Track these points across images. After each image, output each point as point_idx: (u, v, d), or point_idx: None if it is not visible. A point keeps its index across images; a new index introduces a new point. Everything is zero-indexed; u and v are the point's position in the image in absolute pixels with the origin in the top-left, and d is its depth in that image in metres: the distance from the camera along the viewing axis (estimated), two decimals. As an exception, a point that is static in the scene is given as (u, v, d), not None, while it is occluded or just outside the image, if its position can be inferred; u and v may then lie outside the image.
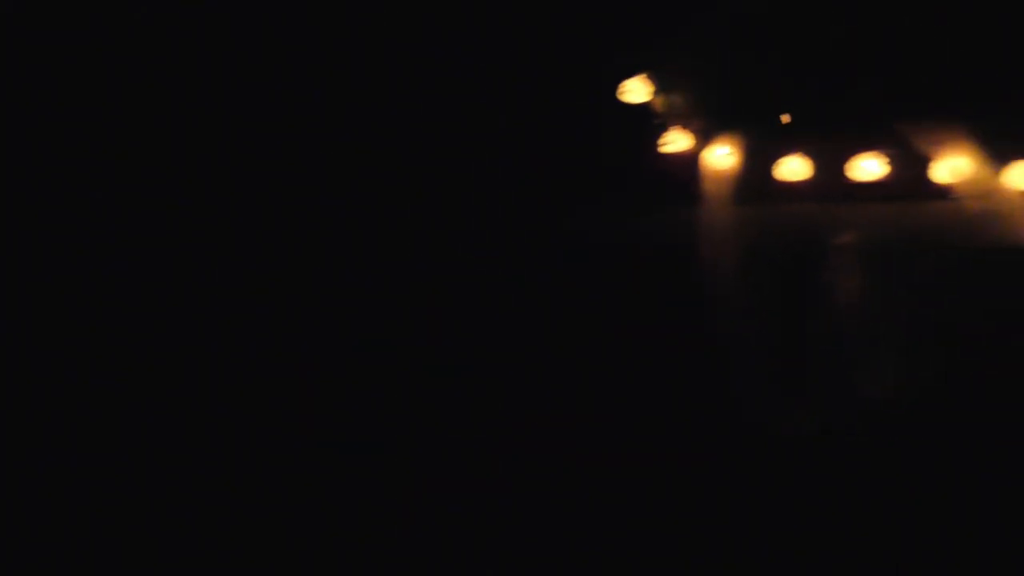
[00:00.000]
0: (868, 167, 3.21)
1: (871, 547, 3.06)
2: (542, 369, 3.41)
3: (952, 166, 3.08)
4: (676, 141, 3.40)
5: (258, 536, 3.38)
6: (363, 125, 3.52)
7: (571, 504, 3.25)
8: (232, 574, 3.38)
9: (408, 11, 3.49)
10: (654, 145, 3.40)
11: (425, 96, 3.50)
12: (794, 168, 3.28)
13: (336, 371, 3.43)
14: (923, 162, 3.13)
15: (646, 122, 3.41)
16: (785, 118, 3.37)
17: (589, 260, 3.43)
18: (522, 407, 3.36)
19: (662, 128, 3.41)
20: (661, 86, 3.40)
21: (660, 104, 3.41)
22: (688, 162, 3.39)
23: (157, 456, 3.50)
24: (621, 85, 3.40)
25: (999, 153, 3.06)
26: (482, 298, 3.46)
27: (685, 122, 3.39)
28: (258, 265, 3.52)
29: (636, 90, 3.41)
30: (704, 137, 3.37)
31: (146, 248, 3.58)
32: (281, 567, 3.36)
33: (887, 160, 3.18)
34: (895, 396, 3.12)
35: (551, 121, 3.47)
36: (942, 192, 3.10)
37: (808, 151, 3.27)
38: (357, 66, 3.49)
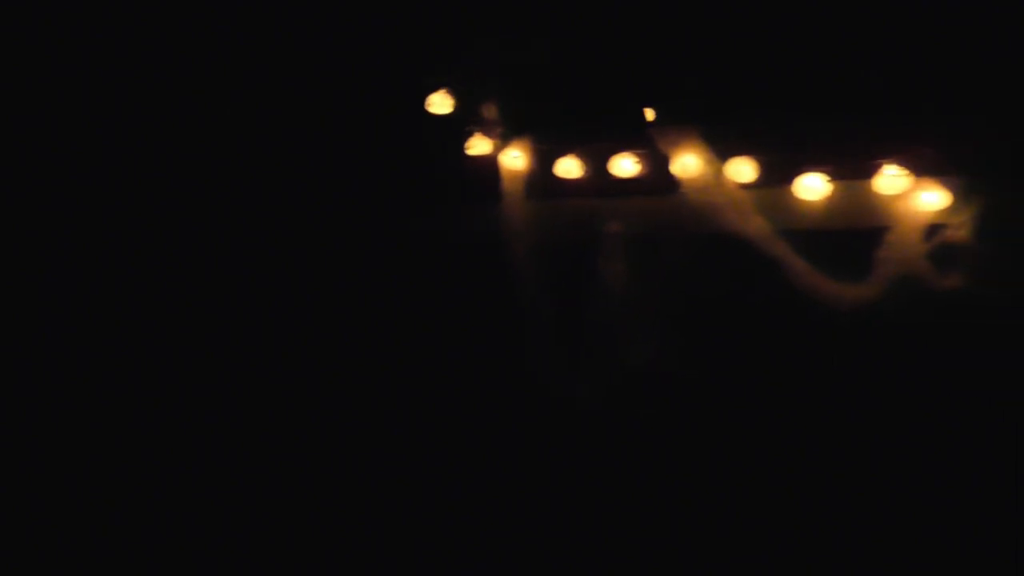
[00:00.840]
0: (625, 166, 3.69)
1: (622, 492, 3.63)
2: (374, 340, 4.03)
3: (685, 164, 3.54)
4: (478, 146, 3.92)
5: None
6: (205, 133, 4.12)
7: (387, 461, 3.90)
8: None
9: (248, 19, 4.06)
10: (460, 150, 3.94)
11: (269, 106, 4.10)
12: (568, 168, 3.78)
13: (191, 365, 4.10)
14: (665, 161, 3.59)
15: (453, 130, 3.94)
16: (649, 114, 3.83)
17: (409, 248, 4.01)
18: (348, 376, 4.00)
19: (467, 135, 3.94)
20: (461, 99, 3.92)
21: (462, 114, 3.93)
22: (488, 164, 3.91)
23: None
24: (428, 99, 3.94)
25: (722, 152, 3.51)
26: (321, 282, 4.08)
27: (485, 129, 3.91)
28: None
29: (440, 103, 3.93)
30: (501, 142, 3.89)
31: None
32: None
33: (638, 159, 3.66)
34: (652, 362, 3.64)
35: (375, 132, 4.03)
36: (679, 186, 3.57)
37: (578, 153, 3.77)
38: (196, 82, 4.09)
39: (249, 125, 4.08)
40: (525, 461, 3.82)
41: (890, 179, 3.28)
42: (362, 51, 4.01)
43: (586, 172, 3.77)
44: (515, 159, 3.86)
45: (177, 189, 4.19)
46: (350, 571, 3.92)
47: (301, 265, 4.07)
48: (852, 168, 3.33)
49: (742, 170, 3.48)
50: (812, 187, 3.37)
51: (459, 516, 3.87)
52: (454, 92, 3.92)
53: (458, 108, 3.93)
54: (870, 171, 3.31)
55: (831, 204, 3.36)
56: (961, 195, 3.23)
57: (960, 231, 3.22)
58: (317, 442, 4.04)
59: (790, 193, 3.40)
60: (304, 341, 4.07)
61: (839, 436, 3.43)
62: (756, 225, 3.44)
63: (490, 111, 3.90)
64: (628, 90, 3.71)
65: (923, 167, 3.26)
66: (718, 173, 3.50)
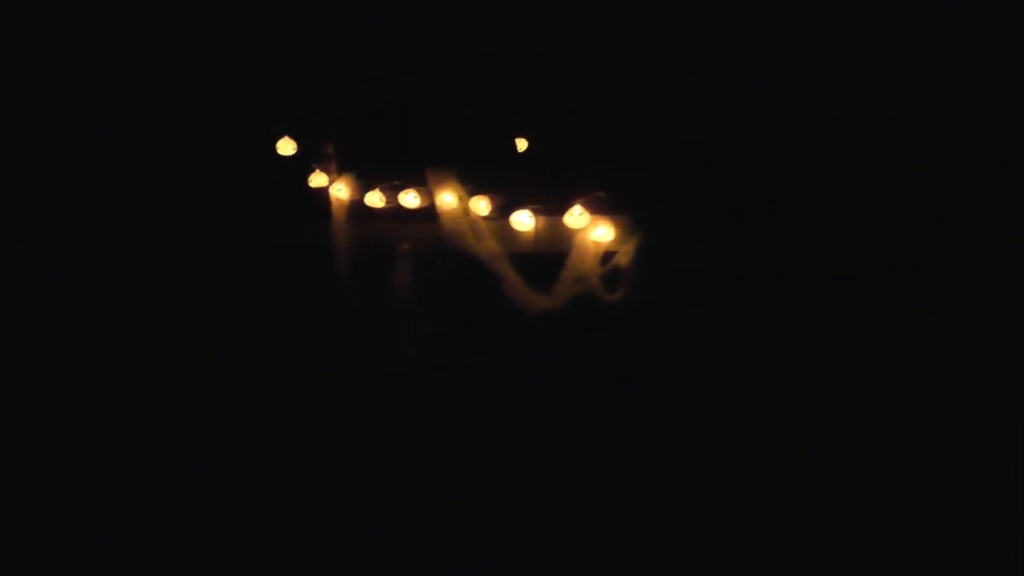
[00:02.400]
0: (409, 199, 4.81)
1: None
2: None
3: (443, 200, 4.65)
4: (317, 179, 5.08)
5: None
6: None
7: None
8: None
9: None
10: (304, 182, 5.10)
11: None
12: (374, 199, 4.92)
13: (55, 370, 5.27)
14: (431, 195, 4.71)
15: (298, 166, 5.11)
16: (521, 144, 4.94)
17: (264, 258, 5.18)
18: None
19: (309, 170, 5.10)
20: (302, 143, 5.08)
21: (303, 154, 5.09)
22: (323, 194, 5.07)
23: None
24: (277, 143, 5.10)
25: (469, 191, 4.61)
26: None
27: (321, 167, 5.06)
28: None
29: (285, 146, 5.10)
30: (334, 177, 5.04)
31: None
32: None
33: (418, 194, 4.78)
34: (426, 350, 4.77)
35: (237, 169, 5.20)
36: (440, 216, 4.69)
37: (382, 189, 4.90)
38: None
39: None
40: (338, 424, 4.98)
41: (575, 216, 4.34)
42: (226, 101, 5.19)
43: (386, 203, 4.90)
44: (340, 191, 5.01)
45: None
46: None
47: (174, 268, 5.24)
48: (549, 207, 4.39)
49: (480, 205, 4.57)
50: (522, 221, 4.45)
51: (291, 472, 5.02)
52: (296, 137, 5.09)
53: (300, 150, 5.10)
54: (562, 210, 4.37)
55: (536, 234, 4.44)
56: (625, 231, 4.28)
57: (623, 257, 4.28)
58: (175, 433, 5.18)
59: (509, 224, 4.49)
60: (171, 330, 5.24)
61: (522, 410, 4.52)
62: (489, 247, 4.54)
63: (325, 153, 5.06)
64: (419, 137, 4.84)
65: (598, 208, 4.32)
66: (465, 207, 4.61)
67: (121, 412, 5.07)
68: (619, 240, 4.30)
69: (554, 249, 4.41)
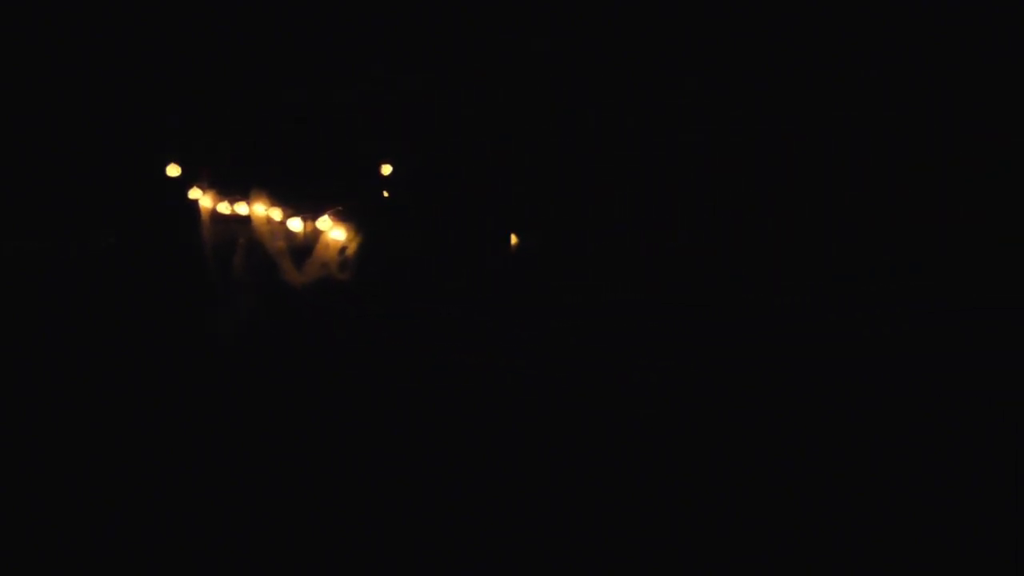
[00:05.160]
0: (241, 208, 7.04)
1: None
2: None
3: (257, 208, 6.87)
4: (195, 194, 7.34)
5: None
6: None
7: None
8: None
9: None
10: (186, 197, 7.36)
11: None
12: (224, 208, 7.16)
13: None
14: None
15: (180, 184, 7.37)
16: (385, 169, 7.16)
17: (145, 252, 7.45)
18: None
19: (189, 187, 7.37)
20: (184, 167, 7.35)
21: (182, 176, 7.36)
22: (197, 204, 7.33)
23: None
24: (167, 168, 7.39)
25: (272, 203, 6.82)
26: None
27: (198, 185, 7.32)
28: None
29: (173, 170, 7.38)
30: (206, 193, 7.30)
31: None
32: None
33: (246, 204, 7.01)
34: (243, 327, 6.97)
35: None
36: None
37: (230, 201, 7.14)
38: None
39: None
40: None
41: (324, 221, 6.51)
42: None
43: (231, 211, 7.14)
44: (203, 200, 7.26)
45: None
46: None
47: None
48: (311, 216, 6.57)
49: (276, 213, 6.78)
50: (296, 224, 6.64)
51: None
52: (180, 163, 7.37)
53: (183, 173, 7.38)
54: (316, 217, 6.54)
55: (304, 234, 6.62)
56: (353, 234, 6.43)
57: (350, 249, 6.42)
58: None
59: (288, 226, 6.69)
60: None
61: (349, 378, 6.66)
62: (279, 242, 6.74)
63: (198, 178, 7.33)
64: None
65: (337, 217, 6.48)
66: (270, 216, 6.82)
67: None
68: (348, 238, 6.45)
69: (309, 244, 6.59)
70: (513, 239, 6.13)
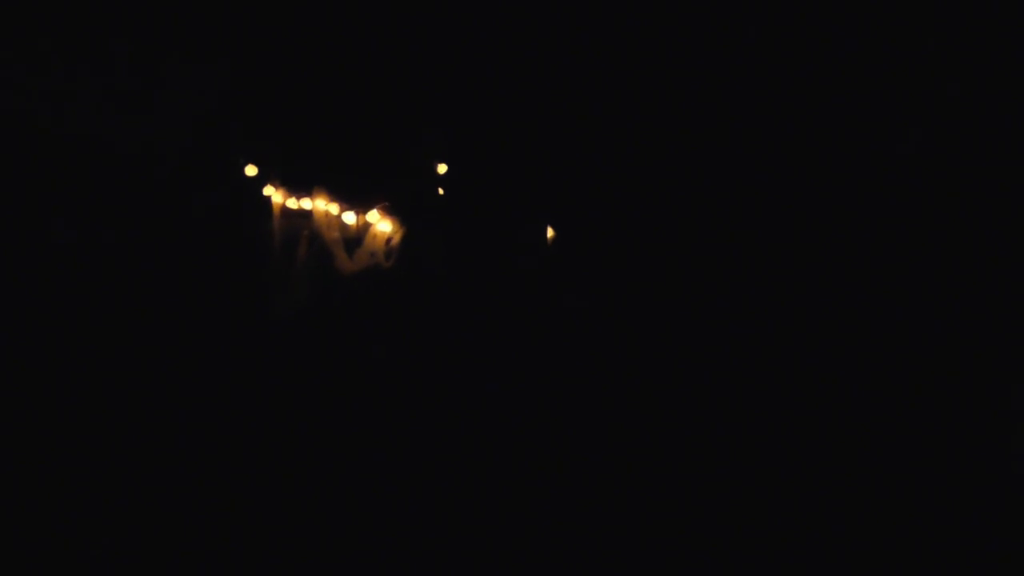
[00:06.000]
0: (305, 204, 7.86)
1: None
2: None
3: (318, 204, 7.69)
4: (271, 192, 8.19)
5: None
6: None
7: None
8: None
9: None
10: (260, 194, 8.22)
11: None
12: (302, 205, 8.00)
13: None
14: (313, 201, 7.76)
15: (257, 183, 8.23)
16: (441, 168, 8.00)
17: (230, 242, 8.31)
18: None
19: (263, 185, 8.22)
20: (261, 168, 8.21)
21: (260, 176, 8.22)
22: (271, 200, 8.19)
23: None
24: (245, 168, 8.26)
25: (333, 199, 7.63)
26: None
27: (272, 184, 8.17)
28: None
29: (250, 169, 8.24)
30: (277, 190, 8.16)
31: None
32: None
33: (310, 200, 7.83)
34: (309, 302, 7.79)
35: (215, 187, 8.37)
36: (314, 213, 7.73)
37: (297, 196, 7.97)
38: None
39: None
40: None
41: (373, 215, 7.28)
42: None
43: (300, 205, 7.97)
44: (274, 196, 8.11)
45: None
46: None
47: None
48: (362, 210, 7.35)
49: (333, 208, 7.58)
50: (349, 217, 7.42)
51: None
52: (257, 165, 8.24)
53: (259, 174, 8.24)
54: (367, 211, 7.31)
55: (356, 225, 7.39)
56: (397, 226, 7.18)
57: (395, 241, 7.17)
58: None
59: (343, 219, 7.48)
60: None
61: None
62: (334, 234, 7.53)
63: (271, 177, 8.19)
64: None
65: (385, 212, 7.24)
66: (328, 210, 7.62)
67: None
68: (393, 231, 7.21)
69: (361, 233, 7.36)
70: (550, 232, 6.76)
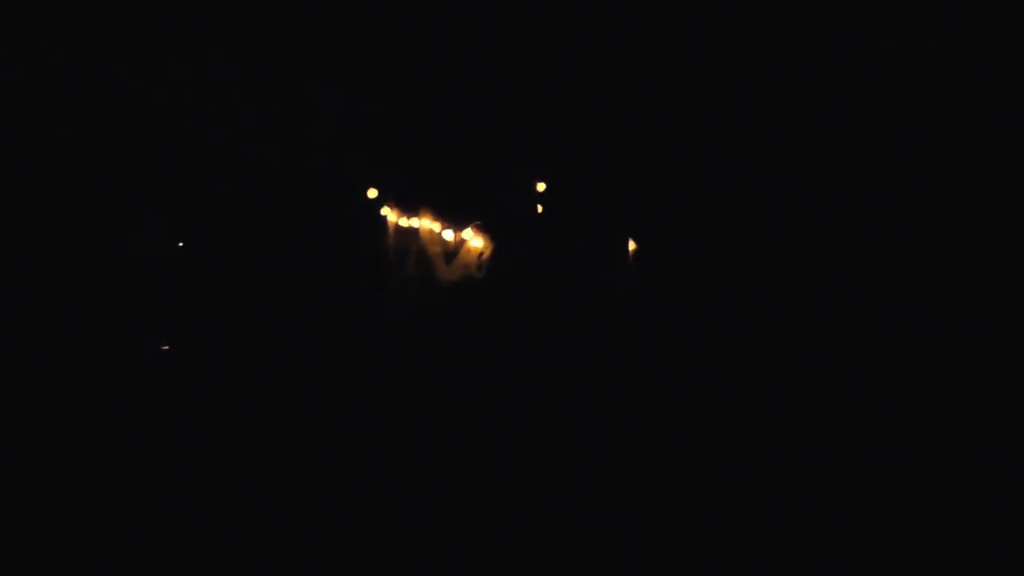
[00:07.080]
0: (413, 223, 9.33)
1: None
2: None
3: (424, 222, 9.16)
4: (387, 213, 9.68)
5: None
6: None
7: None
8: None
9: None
10: (379, 213, 9.71)
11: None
12: (411, 223, 9.47)
13: None
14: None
15: (377, 204, 9.72)
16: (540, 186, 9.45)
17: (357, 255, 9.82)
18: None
19: (381, 205, 9.71)
20: (380, 192, 9.69)
21: (378, 198, 9.71)
22: (387, 220, 9.67)
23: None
24: (367, 192, 9.75)
25: (434, 217, 9.09)
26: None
27: (388, 205, 9.65)
28: None
29: (372, 193, 9.73)
30: (392, 210, 9.64)
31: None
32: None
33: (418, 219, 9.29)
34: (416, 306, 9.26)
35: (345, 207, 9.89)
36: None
37: (408, 216, 9.43)
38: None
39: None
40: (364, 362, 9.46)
41: (468, 232, 8.69)
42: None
43: (408, 225, 9.42)
44: (388, 216, 9.58)
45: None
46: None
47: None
48: (459, 228, 8.76)
49: (435, 226, 9.01)
50: (448, 234, 8.84)
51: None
52: (377, 189, 9.73)
53: (379, 196, 9.72)
54: (462, 229, 8.72)
55: (453, 240, 8.81)
56: (488, 242, 8.57)
57: (485, 255, 8.56)
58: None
59: (443, 235, 8.91)
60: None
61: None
62: (436, 248, 8.96)
63: (389, 199, 9.67)
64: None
65: (477, 229, 8.64)
66: (431, 228, 9.06)
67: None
68: (486, 246, 8.60)
69: (457, 247, 8.78)
70: (632, 245, 8.02)
